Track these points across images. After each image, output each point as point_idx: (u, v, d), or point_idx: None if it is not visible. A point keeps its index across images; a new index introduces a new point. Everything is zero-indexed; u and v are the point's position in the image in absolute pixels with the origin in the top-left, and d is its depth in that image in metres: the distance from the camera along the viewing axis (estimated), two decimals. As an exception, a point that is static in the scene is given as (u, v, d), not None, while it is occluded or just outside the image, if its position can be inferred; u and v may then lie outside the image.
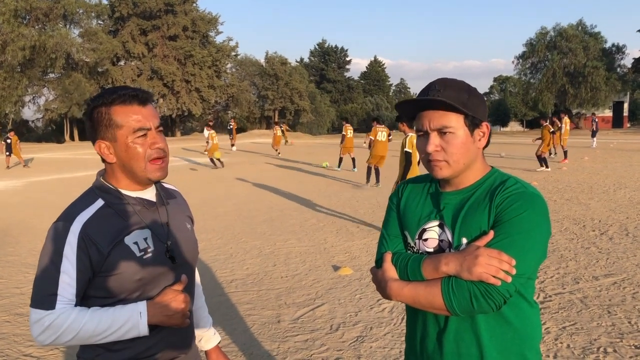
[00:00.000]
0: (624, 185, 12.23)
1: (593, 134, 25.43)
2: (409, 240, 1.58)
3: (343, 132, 17.81)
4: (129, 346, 1.52)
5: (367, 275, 5.87)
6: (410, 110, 1.53)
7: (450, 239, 1.47)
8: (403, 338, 4.18)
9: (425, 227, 1.54)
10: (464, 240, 1.43)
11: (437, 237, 1.50)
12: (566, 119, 19.14)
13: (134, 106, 1.52)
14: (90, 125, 1.55)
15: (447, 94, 1.42)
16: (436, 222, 1.52)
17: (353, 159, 18.00)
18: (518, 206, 1.37)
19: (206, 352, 1.91)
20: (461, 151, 1.45)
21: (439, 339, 1.49)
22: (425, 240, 1.53)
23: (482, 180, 1.50)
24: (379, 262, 1.58)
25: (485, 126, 1.50)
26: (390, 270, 1.50)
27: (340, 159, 18.50)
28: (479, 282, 1.32)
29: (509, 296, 1.34)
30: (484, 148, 1.53)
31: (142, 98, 1.54)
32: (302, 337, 4.29)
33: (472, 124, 1.46)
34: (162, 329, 1.56)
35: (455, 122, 1.44)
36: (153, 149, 1.54)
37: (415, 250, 1.55)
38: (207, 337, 1.90)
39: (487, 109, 1.54)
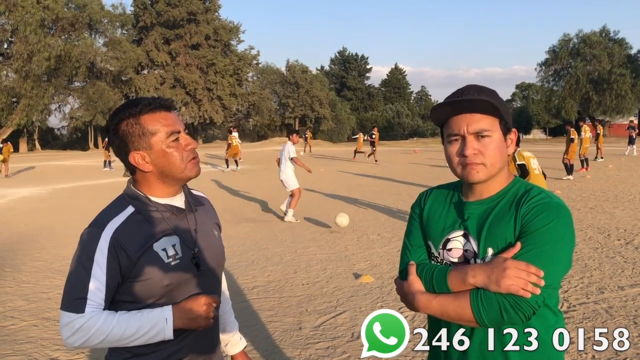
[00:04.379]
0: (650, 194, 12.00)
1: (631, 141, 24.75)
2: (433, 250, 1.57)
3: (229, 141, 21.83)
4: (155, 350, 1.56)
5: (388, 284, 5.86)
6: (442, 115, 1.51)
7: (475, 249, 1.47)
8: (425, 347, 4.16)
9: (450, 237, 1.53)
10: (490, 251, 1.43)
11: (462, 247, 1.50)
12: (585, 127, 18.75)
13: (161, 113, 1.57)
14: (119, 140, 1.57)
15: (483, 97, 1.42)
16: (460, 232, 1.51)
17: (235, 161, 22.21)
18: (544, 217, 1.37)
19: (232, 357, 1.94)
20: (497, 154, 1.45)
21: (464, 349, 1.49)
22: (450, 250, 1.52)
23: (505, 190, 1.50)
24: (403, 273, 1.57)
25: (514, 132, 1.52)
26: (416, 282, 1.49)
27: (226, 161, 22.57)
28: (508, 294, 1.32)
29: (537, 307, 1.34)
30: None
31: (166, 105, 1.59)
32: (324, 344, 4.29)
33: (505, 129, 1.48)
34: (189, 334, 1.59)
35: (491, 125, 1.44)
36: (187, 150, 1.60)
37: (439, 260, 1.54)
38: (234, 342, 1.93)
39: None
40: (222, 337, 1.87)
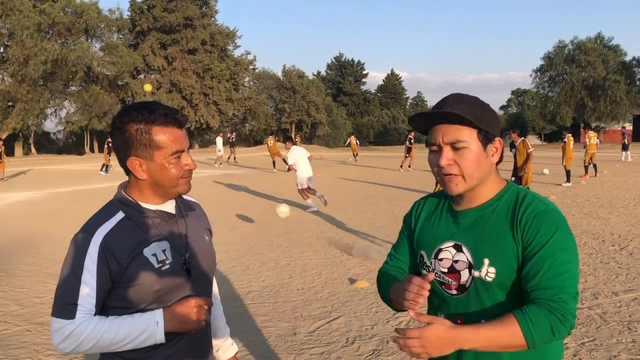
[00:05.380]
0: (645, 199, 12.05)
1: (624, 147, 24.87)
2: (425, 259, 1.58)
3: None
4: (148, 355, 1.55)
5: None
6: (423, 124, 1.53)
7: (470, 259, 1.47)
8: (419, 352, 4.15)
9: (441, 247, 1.54)
10: (486, 261, 1.43)
11: (451, 258, 1.50)
12: (590, 134, 18.78)
13: (174, 129, 1.55)
14: (123, 140, 1.55)
15: (461, 108, 1.42)
16: (451, 243, 1.52)
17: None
18: (547, 228, 1.39)
19: (223, 363, 1.93)
20: (474, 165, 1.44)
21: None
22: (441, 260, 1.53)
23: (498, 196, 1.50)
24: (381, 276, 1.73)
25: (498, 142, 1.50)
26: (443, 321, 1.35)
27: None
28: (555, 309, 1.33)
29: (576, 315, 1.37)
30: (497, 164, 1.52)
31: (181, 121, 1.57)
32: (318, 349, 4.29)
33: (485, 139, 1.46)
34: (181, 339, 1.59)
35: (468, 136, 1.43)
36: (185, 169, 1.60)
37: (431, 269, 1.55)
38: (225, 348, 1.92)
39: (499, 124, 1.53)
40: (213, 342, 1.86)
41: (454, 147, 1.44)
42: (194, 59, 54.29)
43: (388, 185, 16.87)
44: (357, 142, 32.39)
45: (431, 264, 1.55)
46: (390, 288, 1.61)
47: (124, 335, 1.48)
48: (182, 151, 1.58)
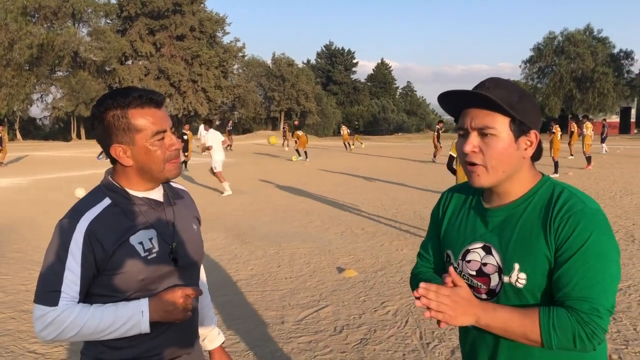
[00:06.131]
0: (631, 191, 12.17)
1: (603, 140, 25.10)
2: (452, 260, 1.48)
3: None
4: (133, 344, 1.53)
5: (371, 278, 5.87)
6: (454, 106, 1.41)
7: (499, 263, 1.36)
8: (407, 341, 4.17)
9: (470, 248, 1.43)
10: (517, 266, 1.32)
11: (480, 260, 1.40)
12: (587, 124, 18.78)
13: (151, 109, 1.51)
14: (102, 129, 1.52)
15: (495, 93, 1.31)
16: (480, 244, 1.41)
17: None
18: (582, 229, 1.26)
19: (210, 352, 1.91)
20: (501, 157, 1.32)
21: None
22: (469, 262, 1.43)
23: (531, 193, 1.38)
24: (415, 277, 1.61)
25: (534, 135, 1.36)
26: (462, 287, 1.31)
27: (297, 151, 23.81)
28: (585, 323, 1.22)
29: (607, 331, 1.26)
30: (533, 160, 1.41)
31: (157, 101, 1.54)
32: (306, 338, 4.28)
33: (519, 130, 1.33)
34: (166, 328, 1.57)
35: (499, 123, 1.32)
36: (171, 150, 1.56)
37: (458, 271, 1.44)
38: (212, 337, 1.90)
39: (540, 117, 1.40)
40: (200, 331, 1.84)
41: (482, 133, 1.33)
42: (182, 46, 53.79)
43: (377, 176, 16.87)
44: (348, 132, 32.42)
45: (458, 265, 1.45)
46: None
47: (108, 323, 1.45)
48: (164, 131, 1.54)
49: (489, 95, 1.29)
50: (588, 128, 18.53)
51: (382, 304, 5.02)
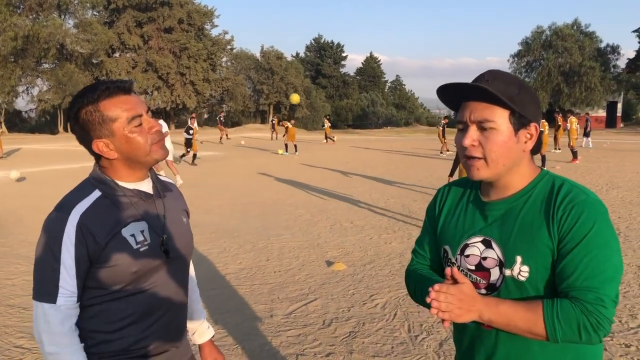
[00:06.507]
0: (617, 185, 12.29)
1: (586, 134, 25.34)
2: (450, 255, 1.46)
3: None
4: (121, 337, 1.52)
5: (360, 271, 5.89)
6: (453, 98, 1.41)
7: (500, 256, 1.35)
8: (395, 334, 4.19)
9: (468, 242, 1.42)
10: (519, 259, 1.31)
11: (479, 255, 1.38)
12: (572, 119, 18.98)
13: (120, 96, 1.50)
14: (80, 128, 1.52)
15: (494, 85, 1.30)
16: (479, 238, 1.40)
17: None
18: (585, 219, 1.26)
19: (199, 346, 1.90)
20: (501, 150, 1.31)
21: None
22: (467, 256, 1.41)
23: (531, 186, 1.37)
24: (410, 273, 1.59)
25: (533, 127, 1.36)
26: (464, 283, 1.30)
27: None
28: (590, 313, 1.21)
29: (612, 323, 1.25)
30: (533, 153, 1.40)
31: (125, 88, 1.52)
32: (295, 331, 4.29)
33: (519, 123, 1.33)
34: (155, 322, 1.56)
35: (498, 116, 1.31)
36: (152, 133, 1.54)
37: (456, 266, 1.42)
38: (201, 331, 1.89)
39: (540, 110, 1.40)
40: (188, 325, 1.84)
41: (481, 126, 1.32)
42: (170, 38, 53.33)
43: (365, 169, 16.89)
44: (329, 125, 32.96)
45: (456, 260, 1.43)
46: (422, 289, 1.49)
47: None
48: (140, 115, 1.52)
49: (488, 87, 1.28)
50: (573, 122, 18.74)
51: (370, 297, 5.04)
